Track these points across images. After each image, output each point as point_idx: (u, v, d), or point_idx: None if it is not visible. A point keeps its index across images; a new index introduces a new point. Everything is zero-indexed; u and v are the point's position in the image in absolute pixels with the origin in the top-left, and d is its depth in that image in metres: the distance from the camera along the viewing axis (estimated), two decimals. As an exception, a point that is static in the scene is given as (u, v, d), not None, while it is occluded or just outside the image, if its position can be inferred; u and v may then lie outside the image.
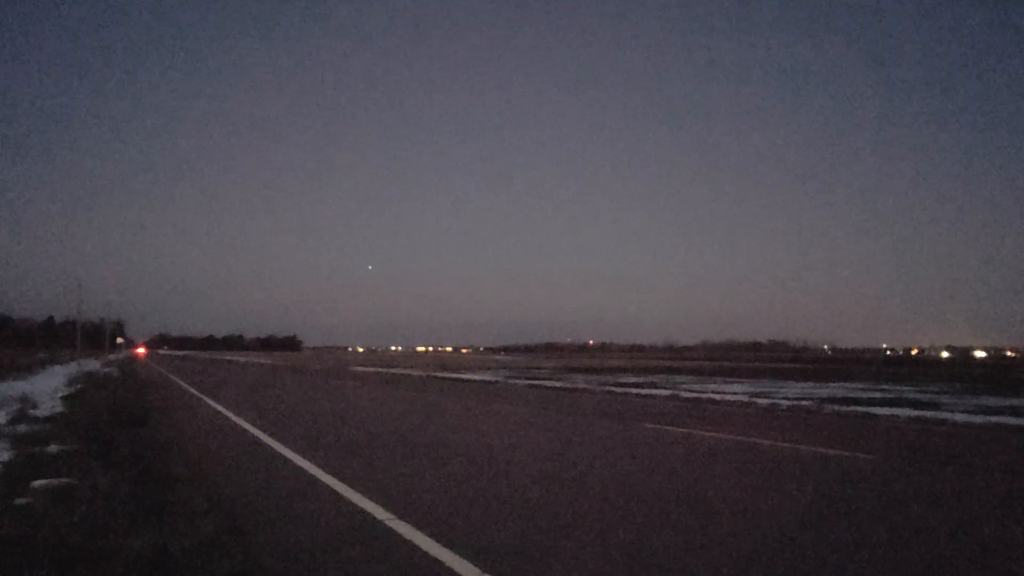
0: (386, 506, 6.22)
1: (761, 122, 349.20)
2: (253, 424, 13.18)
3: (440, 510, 6.19)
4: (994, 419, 14.47)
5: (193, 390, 24.55)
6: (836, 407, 17.31)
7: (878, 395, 22.78)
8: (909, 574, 4.63)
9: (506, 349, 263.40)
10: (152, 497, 6.11)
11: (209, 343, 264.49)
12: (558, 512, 6.16)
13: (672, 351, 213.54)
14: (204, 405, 18.25)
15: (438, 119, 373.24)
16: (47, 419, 12.56)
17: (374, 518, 5.86)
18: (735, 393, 22.79)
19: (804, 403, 18.47)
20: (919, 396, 22.48)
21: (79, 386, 23.33)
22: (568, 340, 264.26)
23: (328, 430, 12.45)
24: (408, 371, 45.22)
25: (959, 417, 14.93)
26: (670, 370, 52.08)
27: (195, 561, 4.39)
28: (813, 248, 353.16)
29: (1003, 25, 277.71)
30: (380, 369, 49.51)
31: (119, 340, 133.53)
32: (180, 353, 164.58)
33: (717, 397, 20.78)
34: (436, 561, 4.69)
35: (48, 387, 22.43)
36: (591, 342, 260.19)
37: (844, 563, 4.78)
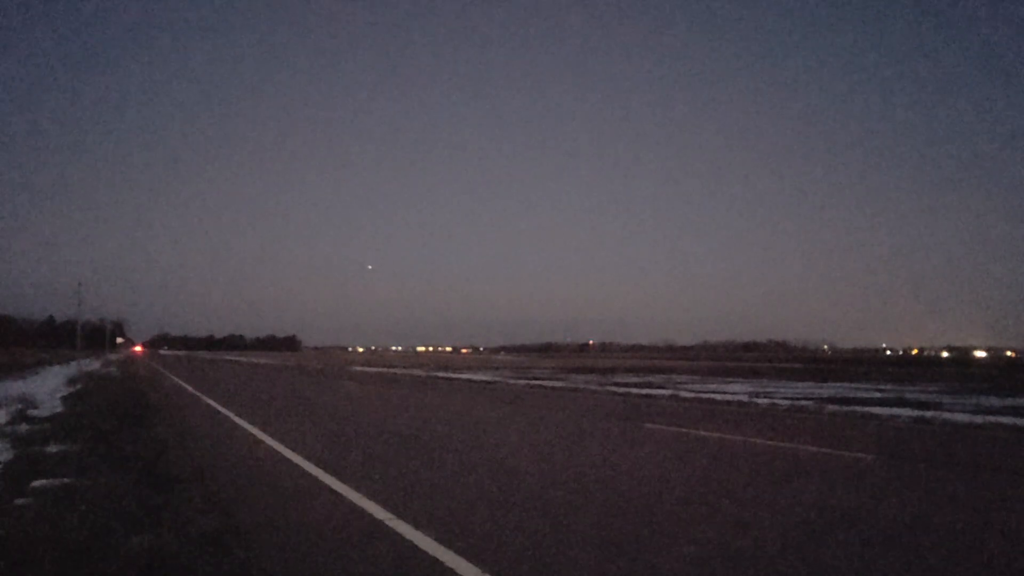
0: (386, 506, 6.22)
1: (761, 123, 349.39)
2: (252, 423, 13.17)
3: (442, 510, 6.19)
4: (994, 419, 14.47)
5: (193, 390, 24.54)
6: (836, 407, 17.30)
7: (878, 395, 22.78)
8: (907, 572, 4.64)
9: (506, 349, 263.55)
10: (152, 497, 6.11)
11: (209, 343, 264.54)
12: (559, 512, 6.16)
13: (672, 351, 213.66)
14: (204, 405, 18.25)
15: (438, 120, 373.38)
16: (47, 419, 12.56)
17: (373, 518, 5.86)
18: (735, 393, 22.79)
19: (804, 403, 18.47)
20: (919, 396, 22.47)
21: (79, 386, 23.33)
22: (568, 340, 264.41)
23: (331, 429, 12.45)
24: (408, 371, 45.23)
25: (959, 417, 14.93)
26: (670, 370, 52.10)
27: (195, 561, 4.39)
28: (813, 248, 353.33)
29: (1006, 25, 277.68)
30: (380, 369, 49.52)
31: (119, 340, 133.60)
32: (180, 353, 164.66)
33: (717, 397, 20.78)
34: (435, 560, 4.69)
35: (48, 387, 22.43)
36: (591, 342, 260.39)
37: (845, 563, 4.78)
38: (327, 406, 18.23)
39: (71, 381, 26.26)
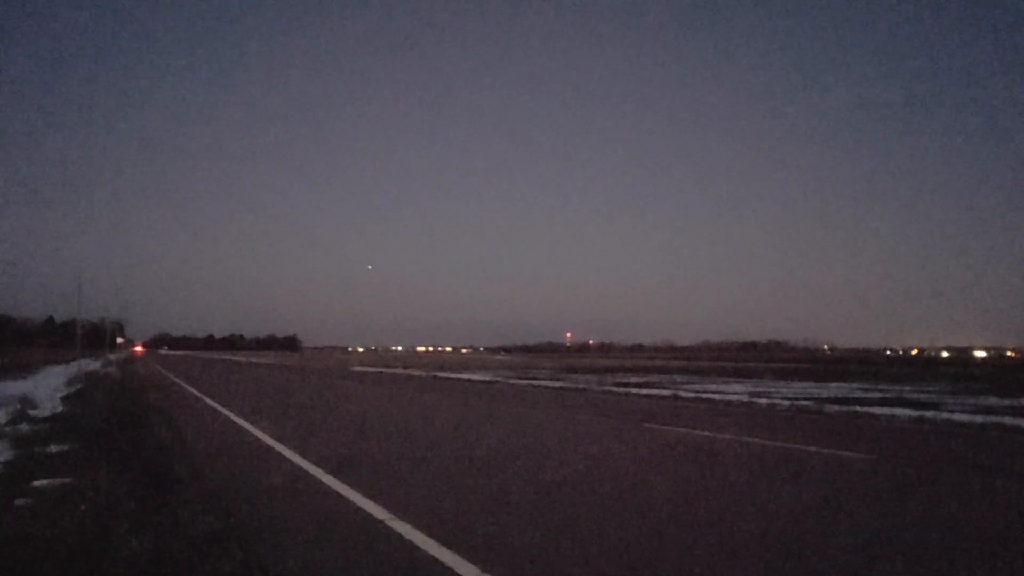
0: (386, 507, 6.23)
1: (760, 122, 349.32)
2: (251, 423, 13.17)
3: (443, 509, 6.20)
4: (994, 419, 14.46)
5: (193, 390, 24.54)
6: (836, 407, 17.30)
7: (878, 395, 22.77)
8: (906, 572, 4.64)
9: (506, 349, 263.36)
10: (152, 497, 6.11)
11: (209, 343, 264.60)
12: (558, 511, 6.17)
13: (672, 351, 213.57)
14: (204, 405, 18.24)
15: (438, 120, 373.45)
16: (47, 419, 12.57)
17: (373, 517, 5.86)
18: (735, 393, 22.79)
19: (804, 403, 18.47)
20: (919, 396, 22.47)
21: (79, 386, 23.34)
22: (568, 340, 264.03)
23: (331, 429, 12.45)
24: (408, 371, 45.22)
25: (959, 417, 14.93)
26: (670, 370, 52.07)
27: (195, 561, 4.39)
28: (813, 248, 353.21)
29: (1005, 27, 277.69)
30: (380, 369, 49.50)
31: (119, 340, 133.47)
32: (180, 353, 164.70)
33: (717, 397, 20.77)
34: (435, 560, 4.69)
35: (48, 387, 22.44)
36: (591, 342, 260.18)
37: (842, 562, 4.78)
38: (327, 407, 18.23)
39: (71, 381, 26.27)
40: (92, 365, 47.03)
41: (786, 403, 18.52)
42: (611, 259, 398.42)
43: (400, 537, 5.27)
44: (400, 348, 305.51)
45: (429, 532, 5.36)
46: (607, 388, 25.94)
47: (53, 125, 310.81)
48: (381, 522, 5.72)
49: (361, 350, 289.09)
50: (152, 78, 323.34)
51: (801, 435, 12.11)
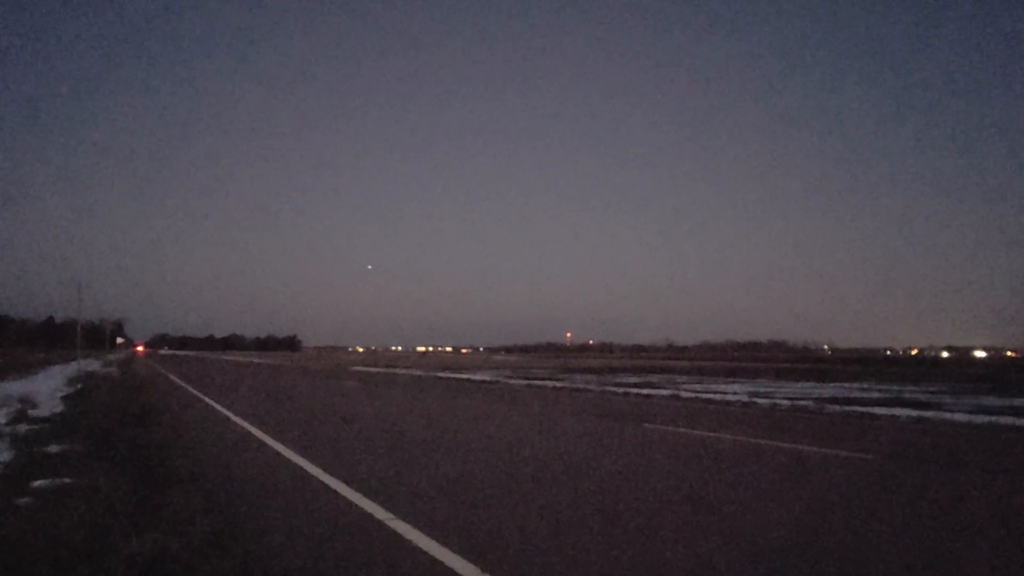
0: (387, 508, 6.24)
1: (760, 123, 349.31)
2: (248, 421, 13.17)
3: (443, 510, 6.20)
4: (994, 419, 14.46)
5: (193, 390, 24.53)
6: (836, 407, 17.30)
7: (878, 395, 22.77)
8: (908, 572, 4.64)
9: (506, 349, 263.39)
10: (152, 497, 6.11)
11: (209, 343, 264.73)
12: (557, 511, 6.17)
13: (672, 351, 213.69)
14: (204, 405, 18.24)
15: (438, 121, 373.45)
16: (47, 419, 12.57)
17: (372, 517, 5.86)
18: (735, 393, 22.78)
19: (804, 403, 18.47)
20: (919, 396, 22.46)
21: (79, 386, 23.34)
22: (568, 340, 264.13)
23: (331, 431, 12.46)
24: (409, 371, 45.23)
25: (959, 417, 14.93)
26: (670, 370, 52.06)
27: (195, 561, 4.39)
28: (813, 248, 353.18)
29: (1003, 29, 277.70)
30: (381, 369, 49.51)
31: (119, 340, 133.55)
32: (180, 353, 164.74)
33: (717, 397, 20.77)
34: (432, 558, 4.69)
35: (48, 387, 22.43)
36: (591, 342, 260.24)
37: (844, 563, 4.78)
38: (329, 408, 18.23)
39: (71, 381, 26.26)
40: (92, 365, 47.04)
41: (786, 403, 18.52)
42: (611, 259, 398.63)
43: (397, 535, 5.28)
44: (400, 348, 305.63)
45: (419, 525, 5.37)
46: (607, 388, 25.94)
47: (53, 125, 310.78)
48: (381, 522, 5.72)
49: (361, 350, 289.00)
50: (153, 80, 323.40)
51: (802, 435, 12.10)
